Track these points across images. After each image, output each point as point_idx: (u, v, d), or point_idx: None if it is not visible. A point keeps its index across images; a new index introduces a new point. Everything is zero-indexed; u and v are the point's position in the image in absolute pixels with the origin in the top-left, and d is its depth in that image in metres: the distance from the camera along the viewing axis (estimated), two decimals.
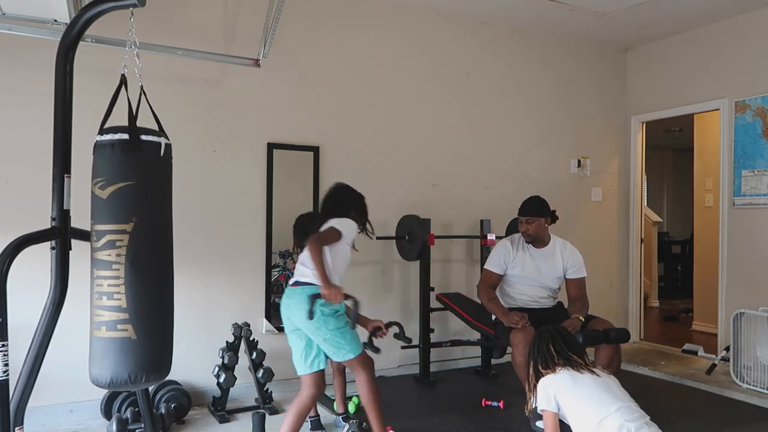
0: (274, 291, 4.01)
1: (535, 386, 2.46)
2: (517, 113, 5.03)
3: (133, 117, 1.98)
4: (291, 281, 2.77)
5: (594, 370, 2.30)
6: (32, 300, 2.40)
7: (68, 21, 2.91)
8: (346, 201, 2.97)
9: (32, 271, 2.55)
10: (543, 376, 2.39)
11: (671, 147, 9.57)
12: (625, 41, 5.41)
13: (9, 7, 2.95)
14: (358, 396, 3.69)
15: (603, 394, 2.20)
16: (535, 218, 3.51)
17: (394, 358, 4.41)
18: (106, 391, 3.31)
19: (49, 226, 2.03)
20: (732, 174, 4.72)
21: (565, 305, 3.60)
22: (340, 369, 3.30)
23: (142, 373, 1.93)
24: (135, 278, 1.92)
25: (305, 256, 2.71)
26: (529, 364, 2.61)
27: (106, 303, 1.91)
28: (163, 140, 2.03)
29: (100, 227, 1.93)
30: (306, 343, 2.74)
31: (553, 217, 3.60)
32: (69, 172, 2.05)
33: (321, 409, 3.42)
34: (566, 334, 2.60)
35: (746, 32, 4.66)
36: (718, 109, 4.87)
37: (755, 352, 3.95)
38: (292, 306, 2.68)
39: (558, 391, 2.27)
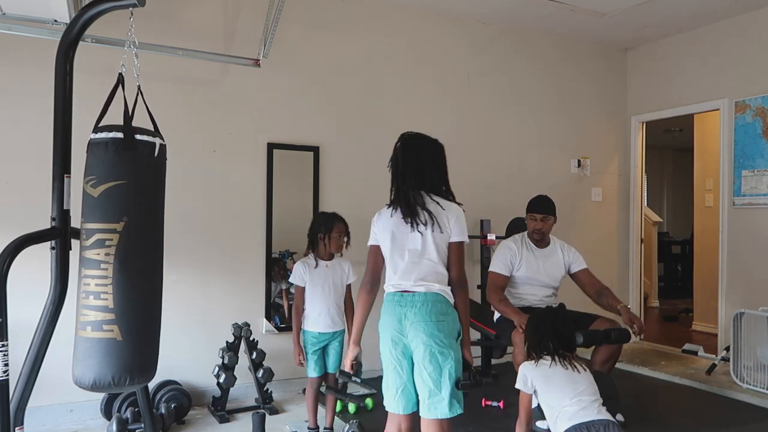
0: (274, 291, 4.01)
1: (523, 358, 2.72)
2: (517, 113, 5.03)
3: (128, 116, 1.96)
4: (398, 286, 2.24)
5: (575, 365, 2.56)
6: (32, 300, 2.40)
7: (68, 21, 2.91)
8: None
9: (32, 271, 2.55)
10: (533, 356, 2.65)
11: (671, 147, 9.57)
12: (625, 41, 5.40)
13: (9, 7, 2.95)
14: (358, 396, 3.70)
15: (567, 386, 2.47)
16: (549, 216, 3.53)
17: None
18: None
19: (49, 226, 2.02)
20: (732, 174, 4.71)
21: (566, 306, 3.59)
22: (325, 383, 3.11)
23: (126, 375, 1.87)
24: (123, 278, 1.87)
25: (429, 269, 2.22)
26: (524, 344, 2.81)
27: (92, 302, 1.86)
28: (157, 140, 2.00)
29: (90, 225, 1.90)
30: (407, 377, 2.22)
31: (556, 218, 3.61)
32: (69, 172, 2.04)
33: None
34: (562, 329, 2.73)
35: (746, 32, 4.66)
36: (718, 109, 4.87)
37: (755, 352, 3.95)
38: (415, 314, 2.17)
39: (535, 378, 2.55)
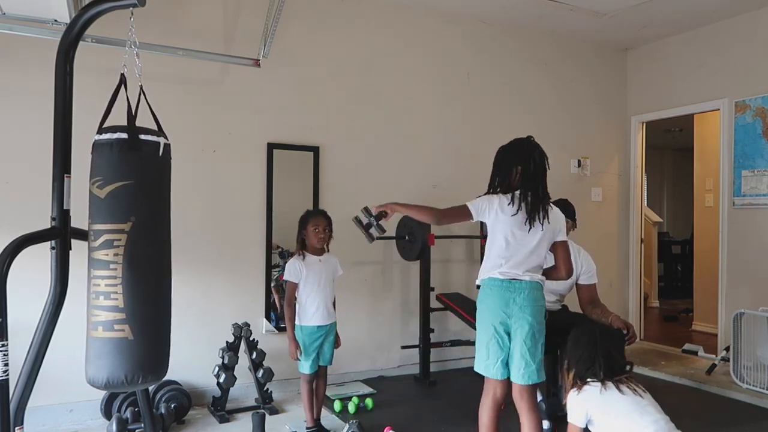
0: (274, 291, 4.01)
1: (569, 386, 2.39)
2: (517, 113, 5.03)
3: (132, 116, 1.97)
4: (506, 274, 2.52)
5: (634, 388, 2.32)
6: (32, 300, 2.40)
7: (68, 21, 2.91)
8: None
9: (32, 271, 2.55)
10: (578, 384, 2.33)
11: (671, 147, 9.57)
12: (625, 41, 5.40)
13: (9, 7, 2.95)
14: (358, 396, 3.70)
15: (636, 412, 2.23)
16: (570, 221, 3.38)
17: (394, 358, 4.41)
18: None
19: (49, 226, 2.02)
20: (732, 174, 4.72)
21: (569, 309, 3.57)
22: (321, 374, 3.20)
23: (139, 374, 1.91)
24: (132, 278, 1.89)
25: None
26: (566, 360, 2.49)
27: (103, 303, 1.88)
28: (162, 140, 2.02)
29: (97, 227, 1.91)
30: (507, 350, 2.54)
31: (575, 223, 3.50)
32: (69, 172, 2.04)
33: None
34: (615, 343, 2.50)
35: (746, 32, 4.66)
36: (718, 109, 4.87)
37: (755, 352, 3.95)
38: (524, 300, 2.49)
39: (591, 409, 2.26)
